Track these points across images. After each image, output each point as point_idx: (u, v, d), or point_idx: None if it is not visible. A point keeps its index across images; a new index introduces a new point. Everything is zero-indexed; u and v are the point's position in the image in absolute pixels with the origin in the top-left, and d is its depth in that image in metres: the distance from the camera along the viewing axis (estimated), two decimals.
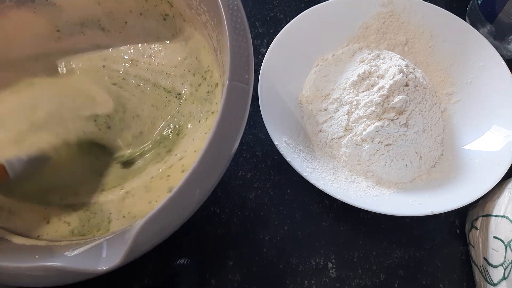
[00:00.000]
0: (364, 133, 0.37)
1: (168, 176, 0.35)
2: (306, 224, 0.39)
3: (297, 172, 0.35)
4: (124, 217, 0.33)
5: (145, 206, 0.33)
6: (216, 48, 0.34)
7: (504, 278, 0.33)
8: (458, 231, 0.40)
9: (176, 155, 0.35)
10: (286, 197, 0.40)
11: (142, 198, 0.34)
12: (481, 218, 0.37)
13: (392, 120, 0.37)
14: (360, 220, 0.39)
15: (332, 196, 0.35)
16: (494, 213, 0.35)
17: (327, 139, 0.39)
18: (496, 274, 0.33)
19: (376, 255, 0.38)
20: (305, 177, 0.35)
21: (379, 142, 0.37)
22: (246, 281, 0.37)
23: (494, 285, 0.33)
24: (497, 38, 0.45)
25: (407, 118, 0.37)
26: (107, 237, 0.24)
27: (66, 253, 0.24)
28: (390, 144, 0.37)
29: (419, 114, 0.38)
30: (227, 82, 0.25)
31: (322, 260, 0.38)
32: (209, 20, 0.33)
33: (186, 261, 0.36)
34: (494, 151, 0.37)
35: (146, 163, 0.36)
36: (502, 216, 0.34)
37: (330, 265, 0.38)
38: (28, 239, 0.31)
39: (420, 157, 0.38)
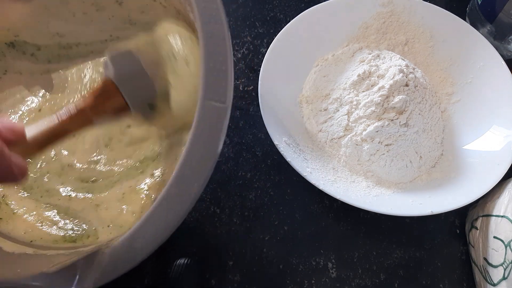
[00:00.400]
0: (364, 133, 0.37)
1: (147, 190, 0.34)
2: (306, 224, 0.39)
3: (297, 172, 0.35)
4: (109, 226, 0.33)
5: (130, 216, 0.33)
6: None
7: (504, 278, 0.33)
8: (458, 231, 0.40)
9: (152, 175, 0.35)
10: (286, 197, 0.40)
11: (120, 209, 0.34)
12: (481, 218, 0.37)
13: (392, 120, 0.37)
14: (360, 220, 0.39)
15: (332, 196, 0.35)
16: (494, 213, 0.35)
17: (327, 139, 0.39)
18: (496, 274, 0.33)
19: (376, 255, 0.38)
20: (305, 177, 0.35)
21: (379, 142, 0.37)
22: (246, 281, 0.37)
23: (494, 285, 0.33)
24: (497, 38, 0.45)
25: (407, 118, 0.37)
26: (84, 255, 0.24)
27: (45, 270, 0.24)
28: (390, 144, 0.37)
29: (419, 114, 0.38)
30: (199, 101, 0.23)
31: (322, 260, 0.38)
32: (195, 20, 0.30)
33: (186, 261, 0.36)
34: (494, 151, 0.37)
35: (113, 182, 0.36)
36: (502, 216, 0.34)
37: (330, 265, 0.38)
38: (19, 246, 0.31)
39: (420, 157, 0.38)
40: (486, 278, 0.34)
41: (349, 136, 0.38)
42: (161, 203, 0.22)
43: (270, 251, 0.38)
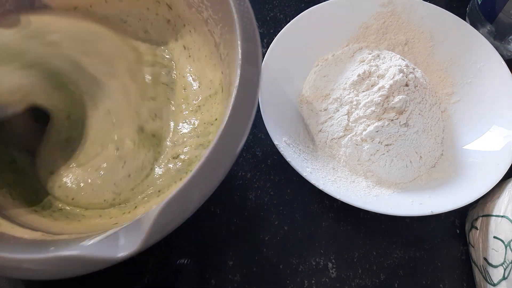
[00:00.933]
0: (364, 133, 0.37)
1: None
2: (306, 224, 0.39)
3: (297, 172, 0.35)
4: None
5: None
6: (218, 42, 0.34)
7: (504, 278, 0.33)
8: (458, 231, 0.40)
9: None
10: (286, 197, 0.40)
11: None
12: (481, 218, 0.37)
13: (392, 120, 0.37)
14: (360, 220, 0.39)
15: (332, 196, 0.35)
16: (494, 213, 0.35)
17: (327, 139, 0.39)
18: (496, 274, 0.33)
19: (376, 255, 0.38)
20: (305, 177, 0.35)
21: (379, 142, 0.37)
22: (246, 281, 0.37)
23: (494, 285, 0.33)
24: (497, 38, 0.45)
25: (407, 118, 0.37)
26: (123, 226, 0.24)
27: (82, 244, 0.24)
28: (390, 144, 0.37)
29: (419, 114, 0.38)
30: (240, 65, 0.26)
31: (322, 260, 0.38)
32: (211, 15, 0.33)
33: (186, 261, 0.36)
34: (494, 151, 0.37)
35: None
36: (502, 216, 0.34)
37: (330, 265, 0.38)
38: (38, 233, 0.31)
39: (420, 157, 0.38)
40: (486, 278, 0.34)
41: (349, 136, 0.38)
42: (208, 161, 0.24)
43: (270, 251, 0.38)
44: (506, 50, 0.45)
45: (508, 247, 0.33)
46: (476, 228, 0.37)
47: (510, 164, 0.36)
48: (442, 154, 0.40)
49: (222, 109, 0.35)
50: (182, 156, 0.34)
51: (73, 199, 0.33)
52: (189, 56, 0.37)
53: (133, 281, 0.36)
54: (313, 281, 0.37)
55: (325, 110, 0.40)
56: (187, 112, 0.36)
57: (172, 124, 0.36)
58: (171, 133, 0.35)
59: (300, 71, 0.43)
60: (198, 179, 0.24)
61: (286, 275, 0.37)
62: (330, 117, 0.39)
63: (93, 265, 0.22)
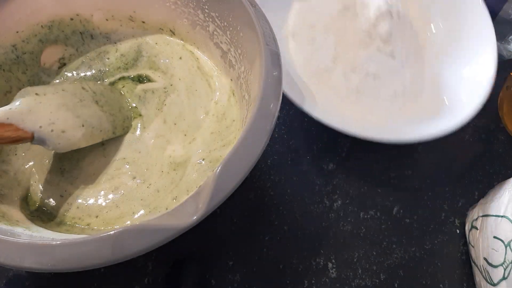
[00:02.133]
0: (352, 62, 0.38)
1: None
2: (306, 224, 0.39)
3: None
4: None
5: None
6: (226, 51, 0.35)
7: (504, 278, 0.33)
8: (458, 231, 0.40)
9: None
10: (286, 197, 0.40)
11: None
12: (481, 218, 0.37)
13: (379, 50, 0.37)
14: (360, 220, 0.39)
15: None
16: (494, 213, 0.35)
17: (318, 67, 0.39)
18: (496, 274, 0.33)
19: (376, 255, 0.38)
20: (297, 105, 0.35)
21: (366, 73, 0.38)
22: (246, 281, 0.37)
23: (494, 285, 0.33)
24: (497, 38, 0.45)
25: (392, 48, 0.38)
26: (176, 206, 0.25)
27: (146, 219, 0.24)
28: (376, 74, 0.38)
29: (403, 45, 0.39)
30: (263, 46, 0.29)
31: (322, 260, 0.38)
32: (218, 25, 0.34)
33: (186, 261, 0.36)
34: (474, 82, 0.39)
35: None
36: (502, 216, 0.34)
37: (330, 265, 0.38)
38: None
39: (405, 87, 0.39)
40: (486, 278, 0.34)
41: (337, 65, 0.38)
42: (250, 129, 0.27)
43: (270, 251, 0.38)
44: (506, 50, 0.45)
45: (508, 247, 0.33)
46: (476, 228, 0.37)
47: (488, 94, 0.37)
48: (425, 85, 0.41)
49: (238, 110, 0.36)
50: (208, 159, 0.35)
51: (97, 216, 0.33)
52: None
53: (133, 281, 0.36)
54: (313, 281, 0.37)
55: (312, 40, 0.40)
56: (212, 123, 0.37)
57: (200, 139, 0.36)
58: (199, 148, 0.36)
59: (281, 2, 0.42)
60: (246, 142, 0.26)
61: (286, 275, 0.37)
62: (318, 47, 0.39)
63: (158, 234, 0.24)
